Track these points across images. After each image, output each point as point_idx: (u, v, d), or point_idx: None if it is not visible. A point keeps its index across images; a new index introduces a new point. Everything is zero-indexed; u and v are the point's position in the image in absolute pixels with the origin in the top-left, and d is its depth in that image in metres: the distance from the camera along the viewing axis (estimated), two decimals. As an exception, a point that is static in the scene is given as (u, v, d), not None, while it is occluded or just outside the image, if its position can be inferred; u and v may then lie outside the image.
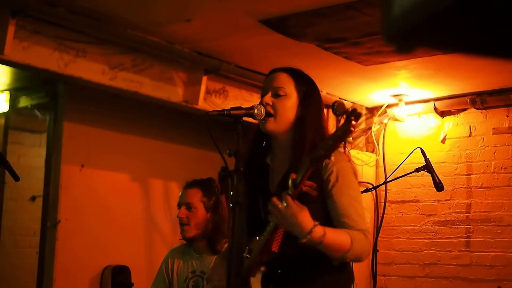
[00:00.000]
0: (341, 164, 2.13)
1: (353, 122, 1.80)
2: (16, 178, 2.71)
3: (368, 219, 5.17)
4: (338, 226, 2.09)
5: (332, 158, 1.88)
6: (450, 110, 5.16)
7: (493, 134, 4.98)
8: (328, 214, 2.12)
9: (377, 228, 5.16)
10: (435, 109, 5.14)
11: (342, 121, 1.85)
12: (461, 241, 5.00)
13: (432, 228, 5.15)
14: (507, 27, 0.65)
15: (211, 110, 2.22)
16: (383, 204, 5.21)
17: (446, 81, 4.75)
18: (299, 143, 2.15)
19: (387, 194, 5.27)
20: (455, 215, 5.05)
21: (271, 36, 3.83)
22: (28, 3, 3.38)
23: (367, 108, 5.56)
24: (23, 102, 4.72)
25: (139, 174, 4.96)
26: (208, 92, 4.47)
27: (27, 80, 4.56)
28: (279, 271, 2.13)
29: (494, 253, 4.83)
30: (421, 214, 5.22)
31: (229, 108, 2.15)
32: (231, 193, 2.04)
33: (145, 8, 3.54)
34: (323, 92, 5.01)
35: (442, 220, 5.11)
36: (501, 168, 4.91)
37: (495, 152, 4.95)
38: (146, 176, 5.02)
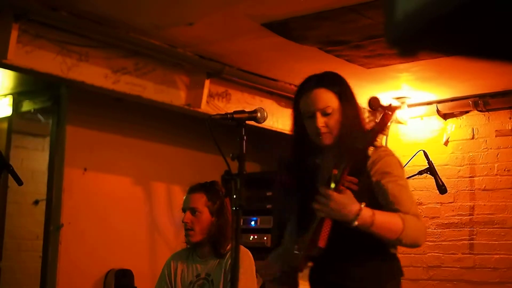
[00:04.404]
0: (388, 157, 2.18)
1: (389, 116, 1.89)
2: (19, 182, 2.71)
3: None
4: None
5: (371, 151, 1.95)
6: (452, 113, 5.16)
7: (496, 136, 4.97)
8: (374, 206, 2.13)
9: (380, 231, 5.15)
10: (438, 111, 5.14)
11: (378, 116, 1.94)
12: (464, 243, 4.99)
13: (435, 230, 5.14)
14: (509, 30, 0.65)
15: (214, 113, 2.25)
16: (386, 206, 5.20)
17: (448, 84, 4.74)
18: (345, 140, 2.20)
19: (390, 196, 5.26)
20: (459, 217, 5.04)
21: (273, 39, 3.83)
22: (31, 7, 3.39)
23: (369, 111, 5.56)
24: (26, 106, 4.73)
25: (142, 177, 4.96)
26: (210, 95, 4.48)
27: (30, 84, 4.57)
28: (310, 264, 2.14)
29: (497, 256, 4.82)
30: (425, 216, 5.21)
31: (232, 111, 2.16)
32: (234, 196, 2.05)
33: (147, 11, 3.55)
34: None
35: (446, 222, 5.10)
36: (504, 170, 4.90)
37: (498, 154, 4.95)
38: (149, 180, 5.02)
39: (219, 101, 4.58)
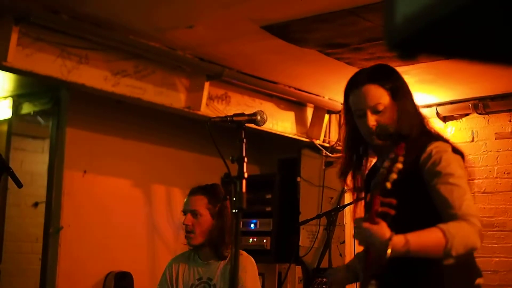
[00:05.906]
0: (438, 154, 2.04)
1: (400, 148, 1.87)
2: (19, 184, 2.71)
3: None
4: (444, 218, 1.99)
5: (431, 148, 1.93)
6: (452, 115, 5.16)
7: (495, 139, 4.97)
8: (431, 211, 2.03)
9: (380, 234, 5.15)
10: (438, 114, 5.14)
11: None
12: (464, 246, 4.98)
13: (435, 233, 5.13)
14: (509, 33, 0.65)
15: (214, 116, 2.24)
16: (385, 209, 5.19)
17: (448, 86, 4.75)
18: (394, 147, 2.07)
19: (390, 199, 5.25)
20: (458, 220, 5.03)
21: (273, 42, 3.84)
22: (31, 10, 3.39)
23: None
24: (26, 108, 4.73)
25: (141, 180, 4.97)
26: (210, 98, 4.48)
27: (30, 87, 4.57)
28: (374, 282, 2.05)
29: (497, 259, 4.82)
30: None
31: (231, 114, 2.16)
32: (234, 199, 2.05)
33: (148, 14, 3.55)
34: (325, 98, 5.00)
35: (445, 225, 5.09)
36: (504, 173, 4.90)
37: (497, 157, 4.95)
38: (148, 182, 5.02)
39: (219, 104, 4.58)
